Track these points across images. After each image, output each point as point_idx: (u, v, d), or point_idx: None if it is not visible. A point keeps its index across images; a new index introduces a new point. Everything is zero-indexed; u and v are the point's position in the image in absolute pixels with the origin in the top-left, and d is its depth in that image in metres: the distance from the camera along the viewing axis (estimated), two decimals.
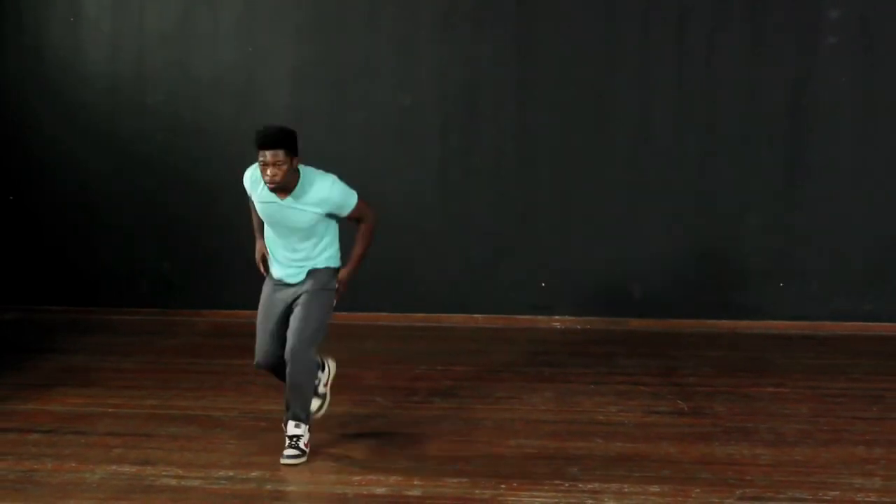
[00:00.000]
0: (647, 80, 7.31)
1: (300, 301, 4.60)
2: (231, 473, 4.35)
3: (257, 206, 4.65)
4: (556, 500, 4.06)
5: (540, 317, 7.46)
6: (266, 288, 4.77)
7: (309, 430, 4.59)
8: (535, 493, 4.15)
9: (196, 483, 4.25)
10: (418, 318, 7.45)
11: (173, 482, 4.26)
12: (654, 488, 4.18)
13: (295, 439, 4.54)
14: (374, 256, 7.53)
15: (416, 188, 7.50)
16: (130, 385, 5.77)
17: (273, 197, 4.51)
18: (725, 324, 7.29)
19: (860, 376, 6.01)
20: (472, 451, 4.64)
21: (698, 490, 4.17)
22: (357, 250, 4.67)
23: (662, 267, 7.39)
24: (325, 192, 4.50)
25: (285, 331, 4.60)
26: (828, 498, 4.10)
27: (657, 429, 4.99)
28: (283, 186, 4.45)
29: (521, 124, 7.44)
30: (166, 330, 7.27)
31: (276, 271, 4.71)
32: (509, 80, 7.42)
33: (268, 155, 4.39)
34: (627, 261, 7.42)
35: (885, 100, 7.18)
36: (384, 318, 7.50)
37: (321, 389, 4.83)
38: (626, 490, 4.16)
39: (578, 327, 7.36)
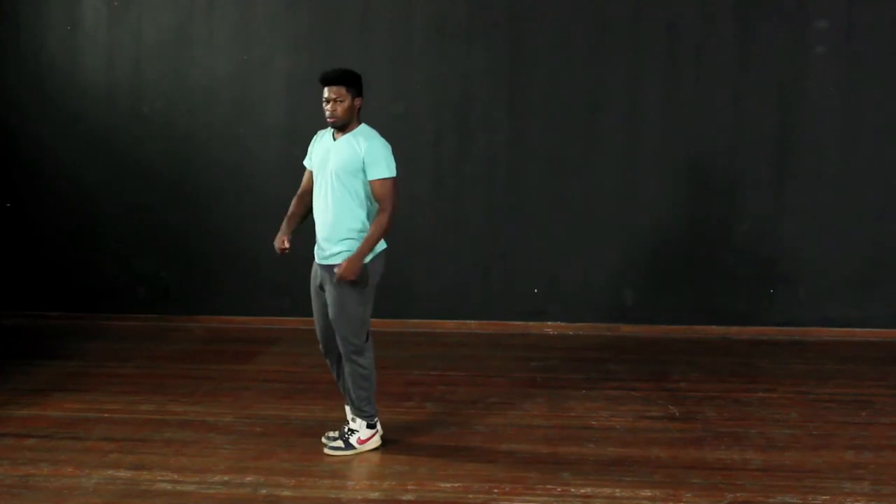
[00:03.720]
0: (636, 89, 7.37)
1: (329, 301, 4.64)
2: (226, 478, 4.39)
3: (314, 159, 4.74)
4: None
5: (532, 323, 7.51)
6: (312, 278, 4.80)
7: (369, 427, 4.73)
8: (527, 498, 4.19)
9: (191, 488, 4.29)
10: (412, 324, 7.49)
11: (168, 487, 4.29)
12: (646, 493, 4.22)
13: (349, 433, 4.71)
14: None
15: (409, 195, 7.52)
16: (126, 390, 5.79)
17: (329, 139, 4.67)
18: (716, 330, 7.35)
19: (849, 382, 6.06)
20: (465, 456, 4.68)
21: (689, 494, 4.21)
22: (369, 234, 4.55)
23: (653, 274, 7.45)
24: (371, 141, 4.62)
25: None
26: (817, 502, 4.14)
27: (648, 434, 5.03)
28: (342, 125, 4.62)
29: (512, 133, 7.49)
30: (162, 336, 7.30)
31: (316, 248, 4.73)
32: (501, 90, 7.47)
33: (328, 91, 4.60)
34: (619, 267, 7.48)
35: (872, 109, 7.25)
36: (378, 323, 7.44)
37: (353, 441, 4.77)
38: (617, 495, 4.20)
39: (570, 333, 7.41)
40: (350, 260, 4.52)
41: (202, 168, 7.69)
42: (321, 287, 4.69)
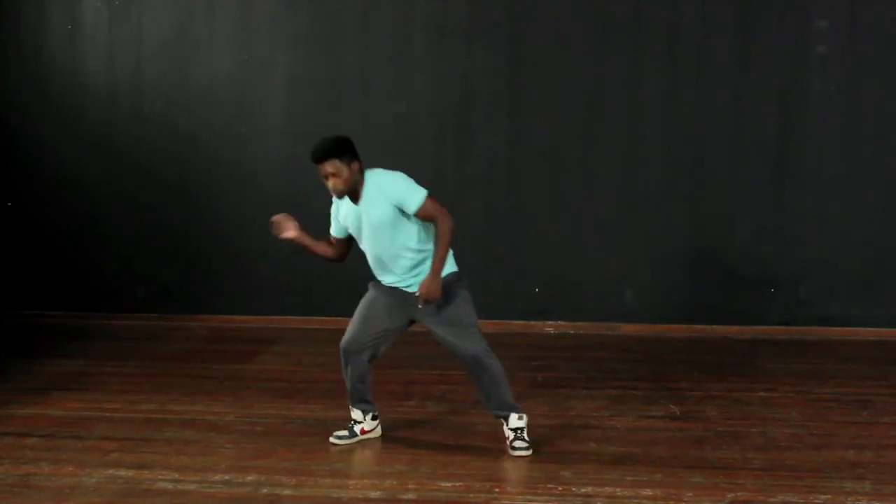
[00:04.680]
0: (636, 88, 7.38)
1: (441, 318, 4.61)
2: (227, 477, 4.38)
3: (346, 223, 4.67)
4: None
5: (533, 322, 7.51)
6: (375, 288, 4.79)
7: (520, 418, 4.70)
8: (528, 497, 4.18)
9: (192, 487, 4.28)
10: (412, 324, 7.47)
11: (169, 486, 4.29)
12: (647, 492, 4.21)
13: (520, 431, 4.68)
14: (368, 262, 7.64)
15: None
16: (127, 389, 5.80)
17: (350, 206, 4.59)
18: (716, 329, 7.35)
19: (849, 381, 6.06)
20: (466, 456, 4.67)
21: (690, 494, 4.20)
22: (436, 251, 4.53)
23: (654, 273, 7.45)
24: (389, 182, 4.53)
25: (380, 331, 4.70)
26: (818, 501, 4.13)
27: (649, 433, 5.03)
28: (352, 191, 4.55)
29: (513, 133, 7.50)
30: (163, 335, 7.30)
31: (389, 281, 4.72)
32: (502, 90, 7.48)
33: (323, 168, 4.49)
34: (619, 267, 7.48)
35: (872, 108, 7.25)
36: None
37: (356, 429, 4.87)
38: (618, 494, 4.19)
39: (571, 332, 7.41)
40: (428, 283, 4.50)
41: (203, 167, 7.69)
42: (404, 308, 4.68)
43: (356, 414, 4.90)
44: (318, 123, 7.61)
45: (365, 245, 4.68)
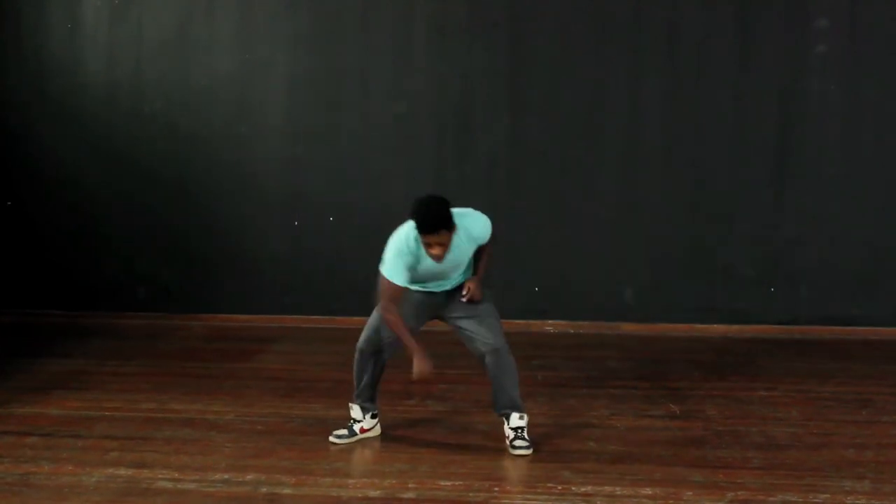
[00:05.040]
0: (636, 88, 7.38)
1: (473, 312, 4.73)
2: (226, 476, 4.38)
3: (417, 272, 4.64)
4: (549, 503, 4.10)
5: (533, 321, 7.51)
6: (424, 301, 4.84)
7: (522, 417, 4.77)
8: (528, 496, 4.18)
9: (192, 486, 4.28)
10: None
11: (169, 485, 4.29)
12: (647, 491, 4.21)
13: (521, 430, 4.71)
14: (369, 261, 7.62)
15: (410, 194, 7.47)
16: (127, 388, 5.80)
17: (430, 261, 4.58)
18: (716, 328, 7.35)
19: (849, 380, 6.06)
20: (465, 455, 4.67)
21: (690, 493, 4.20)
22: (483, 263, 4.78)
23: (654, 272, 7.45)
24: (477, 228, 4.64)
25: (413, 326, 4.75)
26: (818, 500, 4.13)
27: (649, 432, 5.03)
28: None
29: (513, 132, 7.50)
30: (164, 334, 7.30)
31: (422, 287, 4.81)
32: (502, 90, 7.48)
33: (434, 238, 4.45)
34: (619, 266, 7.48)
35: (872, 108, 7.25)
36: None
37: (356, 428, 4.91)
38: (618, 493, 4.19)
39: (571, 331, 7.41)
40: (474, 286, 4.75)
41: (203, 167, 7.69)
42: (445, 306, 4.79)
43: (356, 412, 4.90)
44: (318, 123, 7.63)
45: (431, 278, 4.73)
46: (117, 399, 5.58)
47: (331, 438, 4.85)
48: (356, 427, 4.89)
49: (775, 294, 7.37)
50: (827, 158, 7.30)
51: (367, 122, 7.60)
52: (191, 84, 7.68)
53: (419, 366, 4.56)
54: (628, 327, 7.40)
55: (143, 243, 7.79)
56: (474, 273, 4.80)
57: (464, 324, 4.76)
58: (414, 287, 4.75)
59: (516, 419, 4.73)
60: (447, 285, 4.80)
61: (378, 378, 4.91)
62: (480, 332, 4.71)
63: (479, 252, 4.78)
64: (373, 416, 4.93)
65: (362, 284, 7.75)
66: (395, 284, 4.55)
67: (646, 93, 7.37)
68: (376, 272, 8.03)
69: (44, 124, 7.79)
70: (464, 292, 4.74)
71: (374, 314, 4.81)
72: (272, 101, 7.65)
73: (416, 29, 7.52)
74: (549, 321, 7.53)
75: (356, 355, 4.87)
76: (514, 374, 4.77)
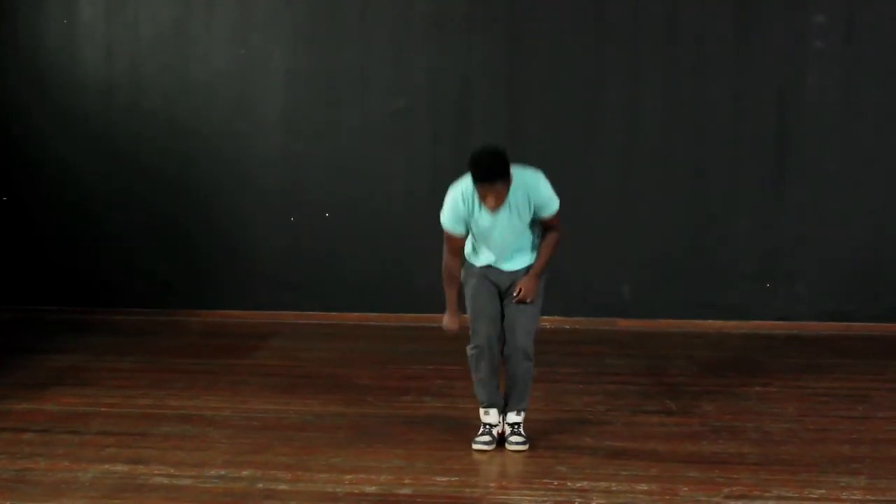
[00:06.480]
0: (635, 85, 7.37)
1: (523, 308, 4.66)
2: (223, 472, 4.39)
3: (471, 225, 4.59)
4: (545, 499, 4.10)
5: None
6: (473, 279, 4.75)
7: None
8: (524, 492, 4.19)
9: (188, 482, 4.29)
10: (410, 319, 7.48)
11: (165, 481, 4.30)
12: (643, 486, 4.22)
13: (517, 426, 4.71)
14: (366, 257, 7.66)
15: (408, 191, 7.54)
16: (125, 384, 5.80)
17: (485, 210, 4.52)
18: (713, 324, 7.35)
19: (845, 376, 6.06)
20: (462, 450, 4.68)
21: (686, 488, 4.21)
22: (543, 254, 4.68)
23: (651, 268, 7.45)
24: (535, 186, 4.55)
25: (497, 316, 4.71)
26: (814, 496, 4.14)
27: (645, 428, 5.04)
28: None
29: (511, 129, 7.47)
30: (162, 330, 7.30)
31: (488, 259, 4.70)
32: (500, 86, 7.46)
33: (492, 187, 4.38)
34: (616, 262, 7.48)
35: (870, 104, 7.24)
36: (376, 318, 7.54)
37: (494, 432, 4.78)
38: (614, 489, 4.20)
39: (567, 327, 7.41)
40: (527, 283, 4.63)
41: (201, 163, 7.68)
42: (505, 291, 4.71)
43: (491, 417, 4.77)
44: (317, 119, 7.62)
45: (489, 238, 4.62)
46: (114, 395, 5.58)
47: (475, 447, 4.72)
48: (495, 431, 4.78)
49: (772, 290, 7.37)
50: (825, 154, 7.28)
51: (365, 118, 7.58)
52: (188, 79, 7.66)
53: (446, 320, 4.74)
54: (625, 323, 7.40)
55: (141, 239, 7.79)
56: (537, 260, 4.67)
57: (510, 311, 4.68)
58: (481, 261, 4.68)
59: (513, 415, 4.75)
60: (511, 262, 4.67)
61: (497, 370, 4.77)
62: (520, 328, 4.66)
63: (545, 233, 4.66)
64: (499, 412, 4.81)
65: (360, 281, 7.79)
66: (450, 234, 4.59)
67: (645, 89, 7.36)
68: (374, 268, 8.06)
69: (41, 120, 7.78)
70: (514, 292, 4.62)
71: (470, 312, 4.77)
72: (270, 97, 7.64)
73: (415, 25, 7.50)
74: (546, 317, 7.50)
75: (472, 359, 4.80)
76: (527, 382, 4.74)
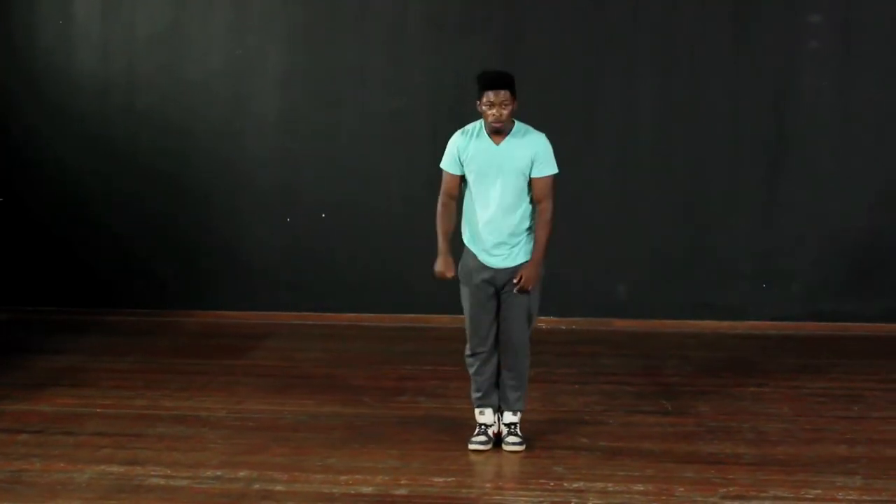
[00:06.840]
0: (632, 84, 7.37)
1: (517, 303, 4.67)
2: (219, 473, 4.38)
3: (470, 162, 4.63)
4: (542, 499, 4.10)
5: None
6: (469, 287, 4.78)
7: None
8: (520, 493, 4.19)
9: (184, 483, 4.28)
10: (406, 319, 7.48)
11: (161, 482, 4.29)
12: (639, 487, 4.22)
13: (514, 427, 4.71)
14: (362, 257, 7.65)
15: (405, 191, 7.53)
16: (120, 385, 5.79)
17: (488, 143, 4.60)
18: (709, 324, 7.36)
19: (841, 376, 6.07)
20: (458, 451, 4.68)
21: (682, 489, 4.21)
22: (539, 239, 4.67)
23: (647, 268, 7.45)
24: (538, 140, 4.64)
25: (496, 316, 4.71)
26: (810, 496, 4.15)
27: (641, 428, 5.04)
28: (501, 129, 4.58)
29: None
30: (157, 330, 7.28)
31: (482, 255, 4.71)
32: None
33: (494, 95, 4.49)
34: (612, 262, 7.48)
35: (865, 103, 7.25)
36: (372, 318, 7.53)
37: (490, 432, 4.78)
38: (610, 489, 4.21)
39: (563, 328, 7.41)
40: (529, 271, 4.63)
41: (197, 162, 7.67)
42: (501, 288, 4.69)
43: (487, 417, 4.77)
44: (314, 119, 7.61)
45: (484, 190, 4.62)
46: (110, 396, 5.57)
47: (471, 447, 4.71)
48: (490, 431, 4.77)
49: (767, 290, 7.37)
50: (820, 154, 7.29)
51: (362, 117, 7.57)
52: (184, 79, 7.65)
53: (439, 264, 4.72)
54: (620, 323, 7.40)
55: (137, 239, 7.77)
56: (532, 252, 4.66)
57: (508, 306, 4.69)
58: (477, 248, 4.68)
59: (510, 415, 4.75)
60: (504, 254, 4.66)
61: (496, 373, 4.77)
62: (518, 323, 4.68)
63: (536, 216, 4.63)
64: (494, 412, 4.80)
65: (356, 281, 7.78)
66: (447, 173, 4.69)
67: (642, 89, 7.37)
68: (370, 269, 8.05)
69: (37, 121, 7.76)
70: (515, 280, 4.62)
71: (467, 315, 4.81)
72: (267, 97, 7.63)
73: (412, 24, 7.50)
74: (542, 317, 7.50)
75: (469, 363, 4.82)
76: (523, 377, 4.75)
